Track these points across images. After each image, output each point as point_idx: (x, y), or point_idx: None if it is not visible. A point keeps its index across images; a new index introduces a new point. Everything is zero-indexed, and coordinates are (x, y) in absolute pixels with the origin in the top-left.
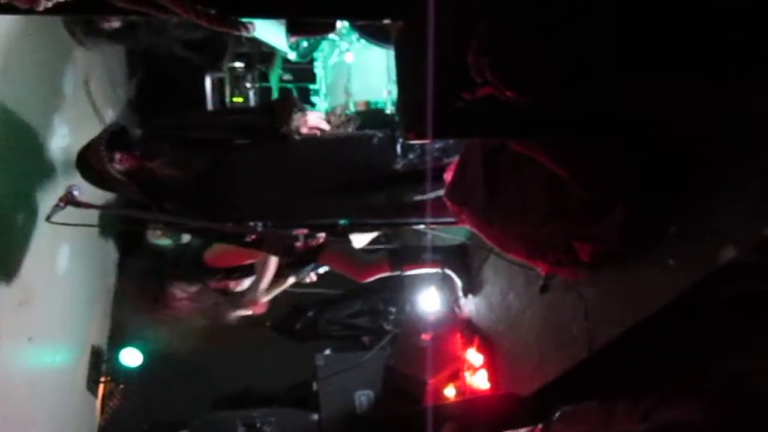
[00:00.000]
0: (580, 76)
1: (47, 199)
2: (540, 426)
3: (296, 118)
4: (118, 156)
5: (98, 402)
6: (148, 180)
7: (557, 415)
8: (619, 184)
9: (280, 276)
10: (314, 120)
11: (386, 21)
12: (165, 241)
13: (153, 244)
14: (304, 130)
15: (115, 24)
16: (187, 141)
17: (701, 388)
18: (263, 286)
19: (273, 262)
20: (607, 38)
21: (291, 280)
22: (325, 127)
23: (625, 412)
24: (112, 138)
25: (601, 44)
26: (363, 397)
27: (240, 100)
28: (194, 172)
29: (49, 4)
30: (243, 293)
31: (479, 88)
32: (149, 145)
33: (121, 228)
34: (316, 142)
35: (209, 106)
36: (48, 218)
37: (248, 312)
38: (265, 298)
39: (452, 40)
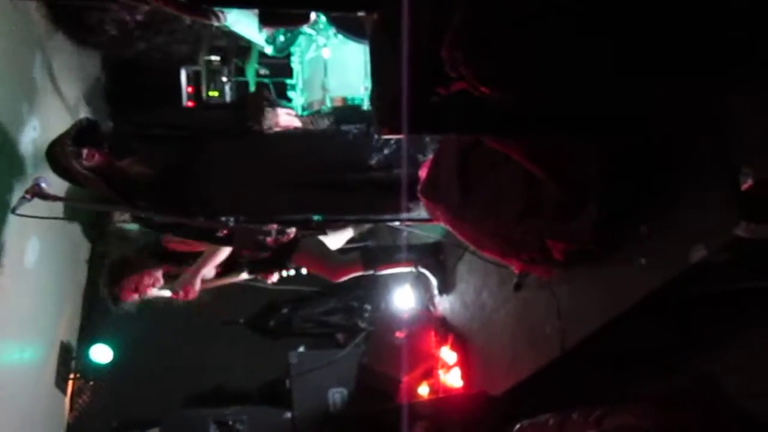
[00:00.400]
0: (555, 73)
1: (16, 191)
2: None
3: (268, 115)
4: (85, 152)
5: (67, 399)
6: (117, 177)
7: (516, 427)
8: (592, 183)
9: (233, 269)
10: (285, 119)
11: (361, 13)
12: (131, 226)
13: (119, 228)
14: (275, 128)
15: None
16: (158, 137)
17: (663, 389)
18: (203, 272)
19: (223, 252)
20: (582, 35)
21: (243, 275)
22: (297, 124)
23: (579, 420)
24: (81, 133)
25: (575, 41)
26: (337, 395)
27: (216, 93)
28: (165, 167)
29: None
30: (180, 275)
31: (453, 83)
32: (119, 141)
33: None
34: (290, 136)
35: (184, 99)
36: (14, 210)
37: (173, 294)
38: (198, 285)
39: (427, 33)
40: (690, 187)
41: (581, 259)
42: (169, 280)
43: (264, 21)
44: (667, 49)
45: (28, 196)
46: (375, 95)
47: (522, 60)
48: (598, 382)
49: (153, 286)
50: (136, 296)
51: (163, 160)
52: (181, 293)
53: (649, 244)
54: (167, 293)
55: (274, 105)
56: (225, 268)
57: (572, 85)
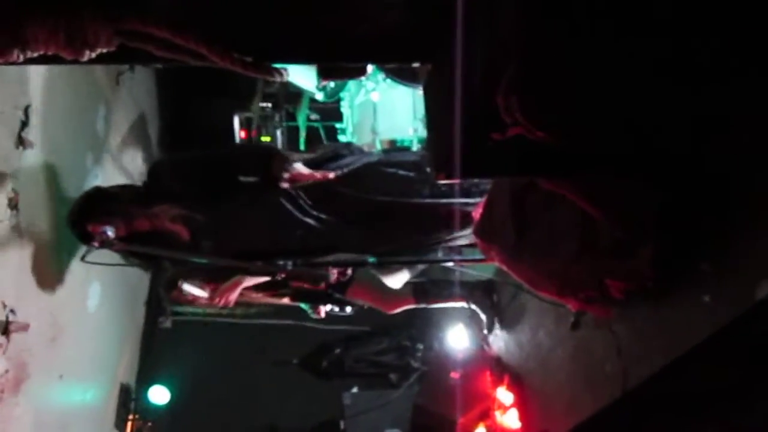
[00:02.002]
0: (611, 115)
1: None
2: None
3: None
4: (90, 228)
5: None
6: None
7: None
8: (650, 221)
9: (277, 290)
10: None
11: (415, 64)
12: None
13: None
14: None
15: None
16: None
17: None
18: (244, 283)
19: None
20: (638, 78)
21: (285, 300)
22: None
23: None
24: (86, 210)
25: (631, 84)
26: None
27: (268, 138)
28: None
29: (93, 56)
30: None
31: (509, 128)
32: (153, 188)
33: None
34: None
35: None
36: (83, 258)
37: (211, 300)
38: (236, 294)
39: (481, 80)
40: (752, 221)
41: (641, 298)
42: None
43: (323, 75)
44: (726, 91)
45: (95, 244)
46: (430, 142)
47: (578, 105)
48: (662, 423)
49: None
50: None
51: (208, 208)
52: (221, 300)
53: (712, 282)
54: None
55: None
56: (272, 287)
57: (628, 126)
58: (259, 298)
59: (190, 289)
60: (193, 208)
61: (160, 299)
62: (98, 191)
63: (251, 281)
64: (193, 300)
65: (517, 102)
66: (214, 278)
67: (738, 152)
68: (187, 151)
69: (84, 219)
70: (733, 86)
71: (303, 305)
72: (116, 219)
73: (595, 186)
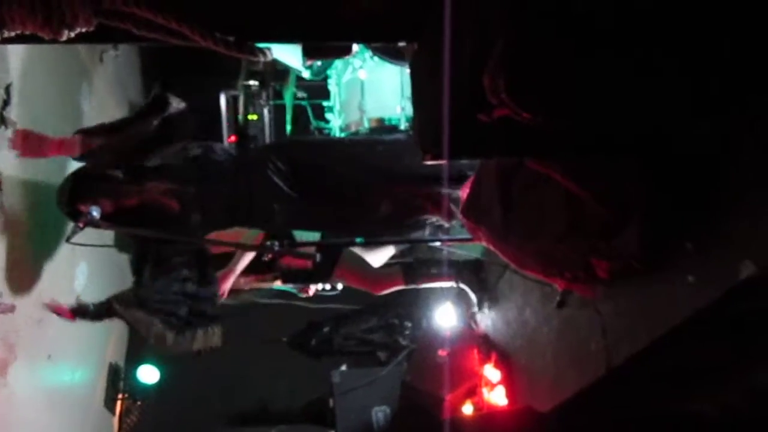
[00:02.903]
0: (597, 96)
1: (64, 219)
2: None
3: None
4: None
5: (116, 419)
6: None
7: None
8: (635, 201)
9: (267, 273)
10: None
11: (401, 43)
12: None
13: None
14: None
15: None
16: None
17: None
18: (236, 272)
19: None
20: (623, 58)
21: (277, 282)
22: None
23: None
24: (76, 189)
25: (616, 64)
26: (380, 413)
27: (254, 117)
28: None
29: (72, 35)
30: None
31: (495, 109)
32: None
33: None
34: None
35: (224, 123)
36: (68, 239)
37: None
38: (229, 285)
39: (468, 61)
40: (736, 202)
41: (626, 277)
42: None
43: (308, 54)
44: (710, 74)
45: (81, 225)
46: (417, 123)
47: (564, 87)
48: (646, 401)
49: None
50: None
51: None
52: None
53: (696, 261)
54: None
55: None
56: (260, 271)
57: (614, 106)
58: (249, 283)
59: None
60: (183, 182)
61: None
62: (86, 170)
63: (243, 264)
64: None
65: (503, 83)
66: None
67: (723, 135)
68: None
69: (73, 198)
70: (719, 71)
71: (290, 288)
72: (104, 198)
73: (581, 167)
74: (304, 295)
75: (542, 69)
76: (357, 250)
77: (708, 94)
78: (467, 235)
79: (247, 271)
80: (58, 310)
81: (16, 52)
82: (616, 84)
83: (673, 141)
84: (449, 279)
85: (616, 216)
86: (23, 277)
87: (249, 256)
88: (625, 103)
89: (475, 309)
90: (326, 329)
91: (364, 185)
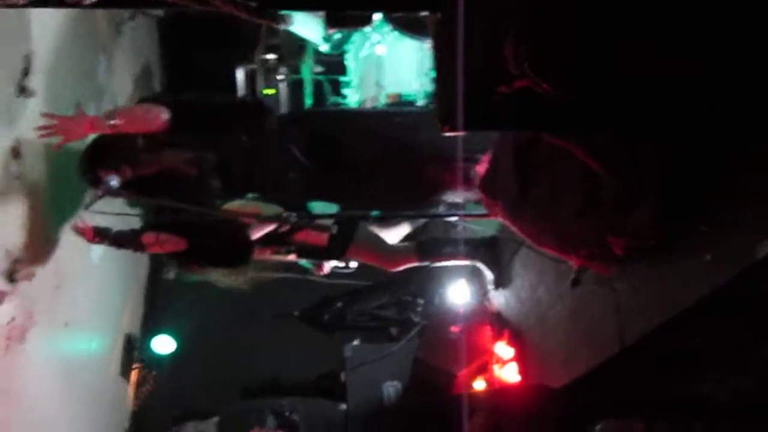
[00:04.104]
0: (617, 69)
1: (83, 188)
2: None
3: None
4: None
5: (131, 388)
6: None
7: (599, 427)
8: (652, 178)
9: (281, 249)
10: None
11: (424, 13)
12: None
13: None
14: None
15: None
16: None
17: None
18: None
19: (268, 226)
20: (645, 31)
21: (291, 257)
22: None
23: None
24: (100, 155)
25: (638, 37)
26: (391, 388)
27: (272, 91)
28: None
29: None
30: None
31: (516, 80)
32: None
33: None
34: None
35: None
36: (87, 207)
37: None
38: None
39: (490, 31)
40: (754, 182)
41: (641, 255)
42: None
43: (330, 23)
44: (727, 47)
45: (99, 193)
46: (437, 94)
47: (586, 58)
48: (662, 380)
49: None
50: None
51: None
52: None
53: (713, 240)
54: None
55: None
56: (275, 246)
57: (634, 81)
58: (264, 255)
59: None
60: (202, 150)
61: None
62: (109, 137)
63: (256, 236)
64: None
65: (525, 53)
66: None
67: (741, 114)
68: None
69: (94, 165)
70: (739, 49)
71: (305, 263)
72: (124, 165)
73: (599, 141)
74: (319, 273)
75: (565, 40)
76: (372, 227)
77: (729, 67)
78: (483, 211)
79: (262, 245)
80: (82, 229)
81: (38, 22)
82: (639, 55)
83: (693, 118)
84: (464, 257)
85: (633, 192)
86: (41, 245)
87: (263, 231)
88: (646, 74)
89: (491, 287)
90: (339, 304)
91: (379, 156)
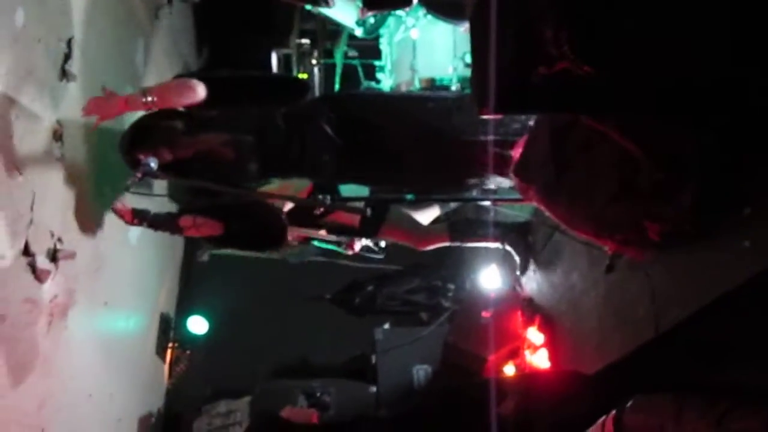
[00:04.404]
0: (658, 51)
1: (122, 170)
2: (613, 412)
3: None
4: (150, 163)
5: (166, 367)
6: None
7: (630, 403)
8: (692, 163)
9: (313, 224)
10: None
11: None
12: None
13: None
14: None
15: None
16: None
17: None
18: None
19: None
20: (687, 14)
21: (322, 232)
22: None
23: (698, 413)
24: (140, 136)
25: (680, 20)
26: (421, 371)
27: (305, 76)
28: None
29: None
30: None
31: (556, 62)
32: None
33: None
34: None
35: None
36: (127, 189)
37: None
38: None
39: (530, 13)
40: None
41: (678, 241)
42: None
43: (368, 4)
44: None
45: (138, 175)
46: (474, 76)
47: (626, 40)
48: (695, 367)
49: None
50: None
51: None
52: None
53: (754, 226)
54: None
55: None
56: (305, 224)
57: (677, 64)
58: (295, 232)
59: None
60: (240, 132)
61: None
62: (148, 120)
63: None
64: None
65: (566, 35)
66: None
67: None
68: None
69: (132, 148)
70: None
71: (336, 248)
72: (162, 147)
73: (638, 125)
74: (349, 252)
75: (605, 22)
76: (403, 208)
77: None
78: (517, 196)
79: (292, 223)
80: (121, 211)
81: (78, 7)
82: (681, 39)
83: (734, 101)
84: (495, 240)
85: (672, 177)
86: (82, 227)
87: (290, 205)
88: (688, 60)
89: (519, 272)
90: (369, 288)
91: (412, 140)
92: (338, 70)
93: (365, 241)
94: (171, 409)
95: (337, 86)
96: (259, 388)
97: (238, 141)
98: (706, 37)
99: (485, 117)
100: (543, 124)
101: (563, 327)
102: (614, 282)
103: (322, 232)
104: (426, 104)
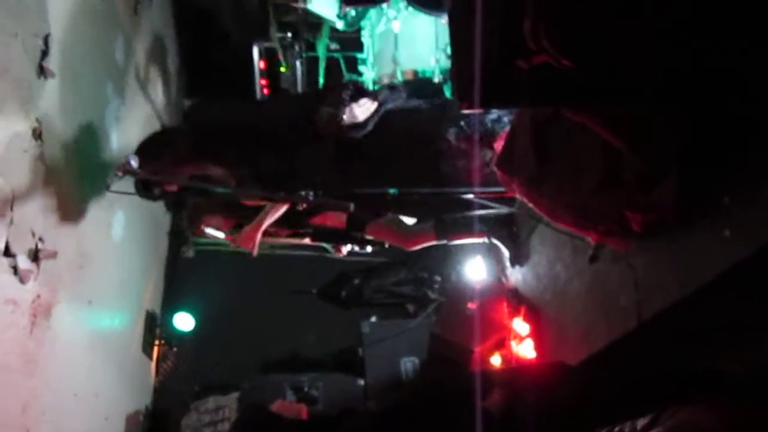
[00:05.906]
0: (638, 44)
1: (103, 168)
2: None
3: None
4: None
5: (153, 364)
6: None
7: None
8: (673, 154)
9: (298, 232)
10: (362, 112)
11: None
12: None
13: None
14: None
15: None
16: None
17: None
18: (264, 226)
19: (283, 208)
20: (671, 12)
21: (306, 240)
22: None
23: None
24: (146, 147)
25: (658, 11)
26: (408, 363)
27: (285, 69)
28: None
29: None
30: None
31: (535, 56)
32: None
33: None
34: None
35: (256, 75)
36: (108, 187)
37: (232, 240)
38: (258, 238)
39: (507, 6)
40: None
41: (660, 231)
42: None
43: (346, 0)
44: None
45: (119, 173)
46: (454, 71)
47: (605, 33)
48: (680, 357)
49: (217, 227)
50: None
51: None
52: (241, 242)
53: (733, 216)
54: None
55: (346, 103)
56: (292, 227)
57: (655, 55)
58: (281, 237)
59: (211, 231)
60: (237, 165)
61: (183, 230)
62: (159, 135)
63: (272, 218)
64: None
65: (544, 28)
66: (234, 213)
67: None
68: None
69: (140, 155)
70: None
71: (325, 245)
72: (161, 164)
73: (619, 117)
74: (337, 255)
75: (584, 15)
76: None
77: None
78: (500, 188)
79: (278, 226)
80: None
81: (56, 4)
82: (659, 30)
83: (714, 91)
84: (481, 235)
85: (653, 168)
86: (64, 225)
87: (279, 211)
88: (668, 53)
89: (509, 263)
90: (356, 281)
91: (397, 150)
92: (321, 64)
93: (352, 246)
94: (159, 406)
95: (321, 80)
96: (248, 383)
97: (234, 173)
98: (684, 29)
99: (466, 111)
100: (524, 116)
101: (548, 317)
102: (598, 272)
103: (306, 240)
104: (411, 116)
